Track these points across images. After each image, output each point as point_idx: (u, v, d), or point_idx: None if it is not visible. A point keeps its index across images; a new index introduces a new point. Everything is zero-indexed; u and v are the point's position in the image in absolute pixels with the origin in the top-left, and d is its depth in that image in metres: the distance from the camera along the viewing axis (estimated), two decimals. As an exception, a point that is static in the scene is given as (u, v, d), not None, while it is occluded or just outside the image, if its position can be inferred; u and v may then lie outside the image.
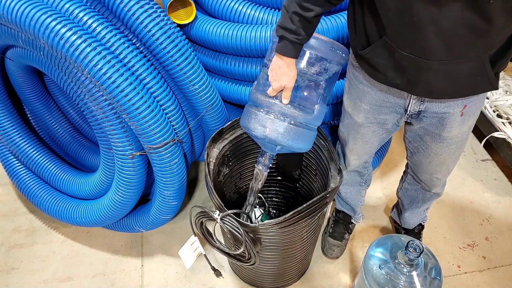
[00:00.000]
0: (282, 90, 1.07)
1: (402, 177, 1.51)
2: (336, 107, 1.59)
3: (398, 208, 1.62)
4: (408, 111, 1.09)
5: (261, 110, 1.12)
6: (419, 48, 0.89)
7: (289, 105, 1.09)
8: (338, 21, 1.37)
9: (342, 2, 0.97)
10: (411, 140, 1.25)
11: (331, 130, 1.71)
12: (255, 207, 1.35)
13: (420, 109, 1.07)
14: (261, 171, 1.23)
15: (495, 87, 0.96)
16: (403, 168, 1.48)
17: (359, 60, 1.06)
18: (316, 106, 1.13)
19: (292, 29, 0.96)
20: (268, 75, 1.08)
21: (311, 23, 0.97)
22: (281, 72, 1.03)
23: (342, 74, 1.52)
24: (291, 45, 0.99)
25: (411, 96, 1.05)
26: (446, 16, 0.80)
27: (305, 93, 1.12)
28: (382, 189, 1.91)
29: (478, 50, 0.87)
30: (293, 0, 0.94)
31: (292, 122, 1.11)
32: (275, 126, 1.10)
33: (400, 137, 1.87)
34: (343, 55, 1.12)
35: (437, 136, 1.13)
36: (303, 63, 1.08)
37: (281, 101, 1.09)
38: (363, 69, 1.07)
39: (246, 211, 1.31)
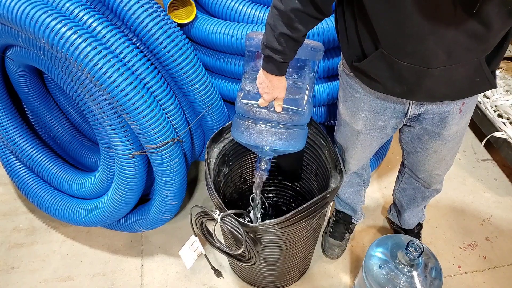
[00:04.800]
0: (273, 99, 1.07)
1: (398, 177, 1.50)
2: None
3: (396, 209, 1.61)
4: (408, 115, 1.09)
5: (255, 120, 1.12)
6: (419, 58, 0.88)
7: (283, 111, 1.10)
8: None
9: (329, 16, 0.95)
10: (408, 141, 1.25)
11: (327, 131, 1.71)
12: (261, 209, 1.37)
13: (420, 112, 1.07)
14: (262, 175, 1.23)
15: (493, 85, 0.96)
16: (402, 168, 1.48)
17: (355, 71, 1.05)
18: (305, 106, 1.15)
19: (278, 49, 0.93)
20: (254, 86, 1.07)
21: (298, 42, 0.95)
22: (272, 85, 1.02)
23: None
24: (278, 64, 0.97)
25: (410, 101, 1.05)
26: (447, 25, 0.80)
27: (295, 96, 1.13)
28: (383, 189, 1.91)
29: (477, 53, 0.87)
30: (279, 19, 0.89)
31: (287, 126, 1.12)
32: (272, 134, 1.11)
33: (400, 137, 1.86)
34: (321, 51, 1.13)
35: (436, 135, 1.13)
36: (290, 71, 1.09)
37: (274, 110, 1.09)
38: (360, 79, 1.05)
39: (258, 215, 1.32)
